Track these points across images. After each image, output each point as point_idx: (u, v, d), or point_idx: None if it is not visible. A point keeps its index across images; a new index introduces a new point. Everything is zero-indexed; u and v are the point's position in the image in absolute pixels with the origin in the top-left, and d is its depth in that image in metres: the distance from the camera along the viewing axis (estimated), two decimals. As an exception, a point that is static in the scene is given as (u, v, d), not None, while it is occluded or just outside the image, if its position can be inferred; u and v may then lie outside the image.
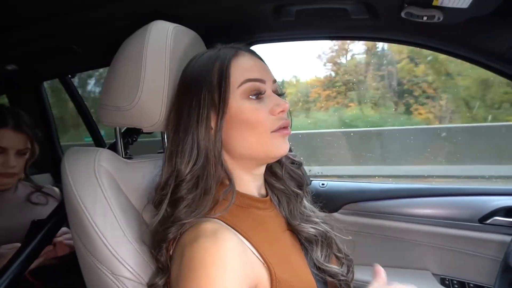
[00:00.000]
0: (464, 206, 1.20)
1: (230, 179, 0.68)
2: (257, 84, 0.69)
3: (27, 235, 1.04)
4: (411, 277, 1.25)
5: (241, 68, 0.69)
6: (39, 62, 1.46)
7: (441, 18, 0.83)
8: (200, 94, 0.67)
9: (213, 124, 0.67)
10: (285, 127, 0.70)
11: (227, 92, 0.67)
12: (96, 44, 1.23)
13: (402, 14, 0.85)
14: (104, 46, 1.20)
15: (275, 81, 0.73)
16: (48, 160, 1.80)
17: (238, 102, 0.67)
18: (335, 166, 3.51)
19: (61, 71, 1.64)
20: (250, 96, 0.68)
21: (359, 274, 1.29)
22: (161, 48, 0.80)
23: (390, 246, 1.29)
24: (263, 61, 0.75)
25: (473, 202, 1.20)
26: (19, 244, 1.07)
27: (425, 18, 0.83)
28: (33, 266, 1.06)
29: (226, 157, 0.71)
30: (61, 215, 1.02)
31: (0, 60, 1.40)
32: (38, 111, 1.76)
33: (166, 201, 0.66)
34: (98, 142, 1.80)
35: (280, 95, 0.74)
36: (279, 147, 0.70)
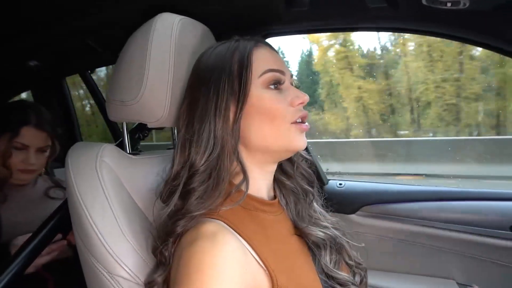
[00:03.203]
0: (494, 212, 1.12)
1: (244, 171, 0.66)
2: (278, 74, 0.68)
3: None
4: (434, 285, 1.18)
5: (261, 58, 0.68)
6: (60, 58, 1.49)
7: (467, 4, 0.75)
8: (218, 83, 0.66)
9: (231, 113, 0.66)
10: (303, 121, 0.69)
11: (248, 81, 0.66)
12: (111, 40, 1.23)
13: (424, 1, 0.78)
14: (119, 42, 1.21)
15: (292, 75, 0.72)
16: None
17: (259, 92, 0.66)
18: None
19: (81, 67, 1.68)
20: (270, 86, 0.68)
21: (379, 280, 1.25)
22: (166, 41, 0.78)
23: (412, 252, 1.23)
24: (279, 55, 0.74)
25: (504, 207, 1.11)
26: None
27: (449, 4, 0.76)
28: (47, 260, 1.08)
29: (241, 149, 0.69)
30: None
31: (23, 56, 1.44)
32: (60, 106, 1.81)
33: (178, 193, 0.65)
34: (118, 138, 1.82)
35: (297, 87, 0.72)
36: (298, 141, 0.68)
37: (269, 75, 0.67)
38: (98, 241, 0.70)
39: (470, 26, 0.87)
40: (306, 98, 0.69)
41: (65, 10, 1.02)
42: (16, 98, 1.86)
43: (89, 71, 1.73)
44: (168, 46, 0.77)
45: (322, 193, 0.84)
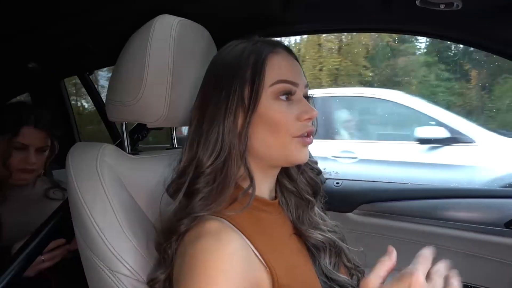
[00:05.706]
0: (489, 209, 1.13)
1: (251, 179, 0.65)
2: (290, 86, 0.66)
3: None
4: (431, 282, 1.19)
5: (276, 67, 0.65)
6: (58, 60, 1.50)
7: (460, 6, 0.76)
8: (230, 86, 0.64)
9: (240, 119, 0.64)
10: (308, 135, 0.67)
11: (259, 89, 0.64)
12: (108, 42, 1.24)
13: (417, 3, 0.79)
14: (115, 44, 1.21)
15: (307, 85, 0.70)
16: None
17: (268, 101, 0.65)
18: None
19: (79, 69, 1.68)
20: (280, 97, 0.65)
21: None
22: (165, 42, 0.78)
23: (408, 250, 1.19)
24: (299, 62, 0.72)
25: (499, 204, 1.12)
26: None
27: (442, 6, 0.77)
28: (50, 265, 1.08)
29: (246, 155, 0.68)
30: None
31: (22, 58, 1.44)
32: (59, 108, 1.81)
33: (183, 191, 0.64)
34: (116, 138, 1.82)
35: (309, 98, 0.71)
36: (298, 154, 0.67)
37: (280, 86, 0.65)
38: (99, 239, 0.71)
39: (464, 27, 0.88)
40: (314, 113, 0.66)
41: (63, 12, 1.02)
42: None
43: (88, 73, 1.73)
44: (167, 47, 0.78)
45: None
